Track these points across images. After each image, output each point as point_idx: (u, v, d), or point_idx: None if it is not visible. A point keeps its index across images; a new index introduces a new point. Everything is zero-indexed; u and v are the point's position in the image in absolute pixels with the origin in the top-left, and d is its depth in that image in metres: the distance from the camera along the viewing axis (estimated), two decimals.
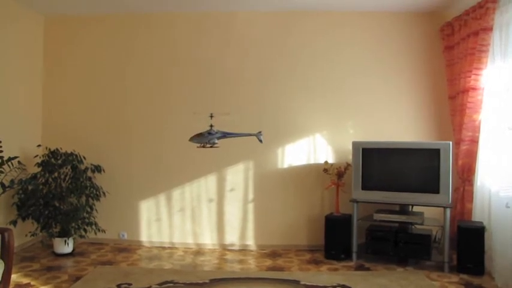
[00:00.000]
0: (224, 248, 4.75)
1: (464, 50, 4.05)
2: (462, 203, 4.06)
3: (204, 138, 4.47)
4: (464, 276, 3.69)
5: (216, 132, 4.50)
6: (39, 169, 4.39)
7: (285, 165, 4.77)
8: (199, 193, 4.82)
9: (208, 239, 4.80)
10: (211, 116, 4.50)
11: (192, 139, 4.53)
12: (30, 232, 4.29)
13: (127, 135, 4.90)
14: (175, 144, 4.81)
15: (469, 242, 3.72)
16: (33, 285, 3.43)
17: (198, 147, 4.58)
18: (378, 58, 4.73)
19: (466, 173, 4.04)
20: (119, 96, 4.92)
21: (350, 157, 4.36)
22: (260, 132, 4.58)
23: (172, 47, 4.87)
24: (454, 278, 3.67)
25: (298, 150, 4.76)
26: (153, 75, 4.88)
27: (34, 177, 4.27)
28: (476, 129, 3.92)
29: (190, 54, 4.84)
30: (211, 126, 4.53)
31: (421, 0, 4.39)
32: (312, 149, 4.76)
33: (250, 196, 4.79)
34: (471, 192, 3.99)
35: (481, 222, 3.79)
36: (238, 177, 4.79)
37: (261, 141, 4.59)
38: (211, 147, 4.55)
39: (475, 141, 3.94)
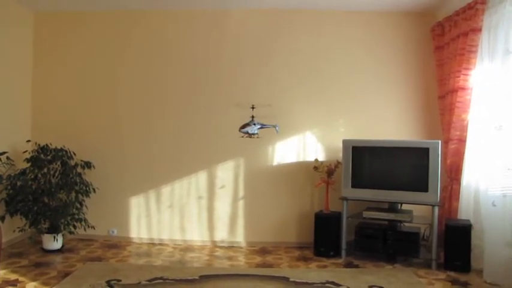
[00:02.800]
0: (214, 244, 4.76)
1: (454, 50, 4.09)
2: (450, 201, 4.11)
3: (252, 128, 4.64)
4: (452, 273, 3.74)
5: (257, 124, 4.67)
6: (28, 165, 4.35)
7: (276, 163, 4.79)
8: (189, 190, 4.82)
9: (198, 236, 4.81)
10: (253, 108, 4.65)
11: (241, 129, 4.63)
12: (18, 228, 4.26)
13: (117, 132, 4.88)
14: (166, 141, 4.82)
15: (457, 239, 3.77)
16: (21, 282, 3.40)
17: (242, 136, 4.66)
18: (369, 57, 4.76)
19: (454, 172, 4.09)
20: (110, 92, 4.90)
21: (340, 155, 4.38)
22: (277, 124, 4.69)
23: (164, 44, 4.84)
24: (442, 275, 3.72)
25: (289, 147, 4.78)
26: (144, 72, 4.86)
27: (23, 172, 4.23)
28: (464, 129, 3.96)
29: (183, 51, 4.82)
30: (252, 117, 4.65)
31: (413, 0, 4.41)
32: (302, 146, 4.78)
33: (241, 193, 4.80)
34: (458, 191, 4.03)
35: (468, 220, 3.84)
36: (228, 174, 4.80)
37: (277, 132, 4.72)
38: (254, 137, 4.67)
39: (462, 141, 3.98)
